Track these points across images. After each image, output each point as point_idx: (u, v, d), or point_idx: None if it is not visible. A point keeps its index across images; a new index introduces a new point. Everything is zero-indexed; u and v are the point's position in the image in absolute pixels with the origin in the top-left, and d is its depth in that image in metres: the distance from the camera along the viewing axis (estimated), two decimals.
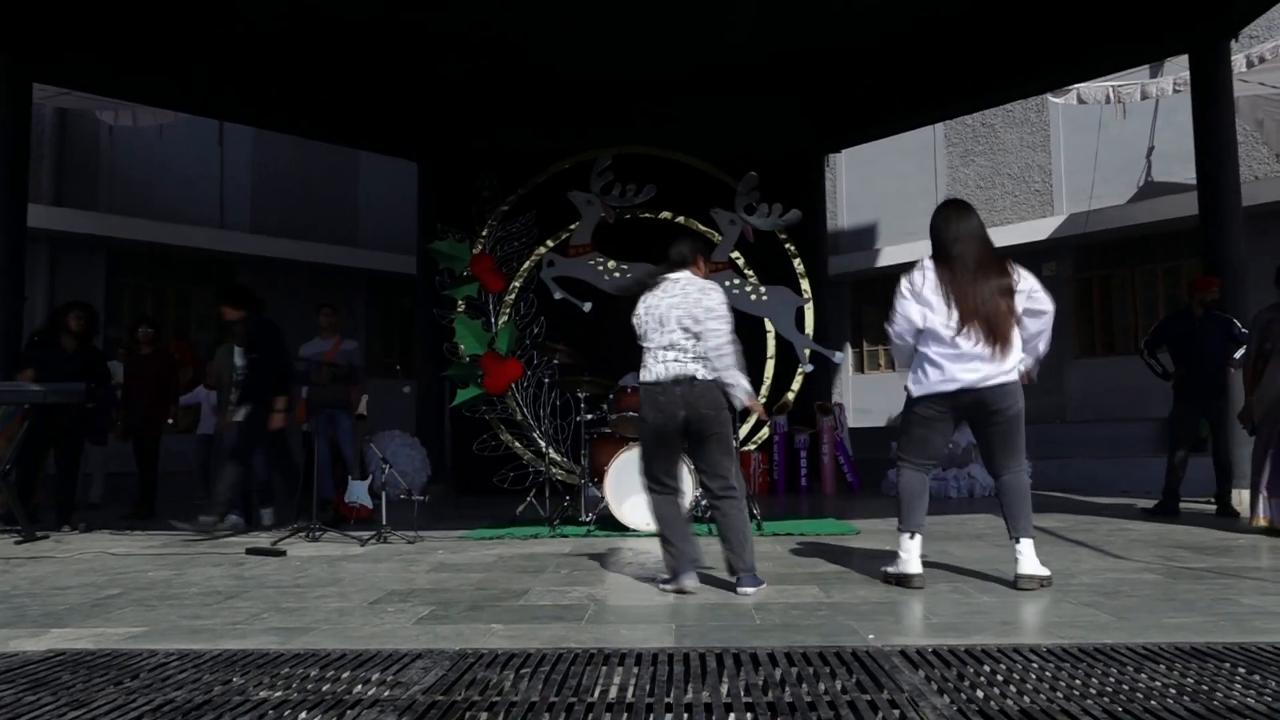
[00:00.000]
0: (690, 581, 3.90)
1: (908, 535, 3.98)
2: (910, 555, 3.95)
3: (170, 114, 11.08)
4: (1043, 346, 4.02)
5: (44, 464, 7.30)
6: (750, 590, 3.83)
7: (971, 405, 3.90)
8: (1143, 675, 2.47)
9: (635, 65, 9.71)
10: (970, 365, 3.83)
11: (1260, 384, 5.84)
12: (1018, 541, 3.90)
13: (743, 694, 2.34)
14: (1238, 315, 7.16)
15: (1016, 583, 3.87)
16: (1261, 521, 5.72)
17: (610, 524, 6.44)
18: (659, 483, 4.08)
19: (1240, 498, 6.78)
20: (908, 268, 4.15)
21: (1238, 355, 6.76)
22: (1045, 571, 3.90)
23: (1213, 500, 7.02)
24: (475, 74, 9.90)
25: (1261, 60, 8.96)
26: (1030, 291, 3.91)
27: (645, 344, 4.08)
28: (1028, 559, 3.88)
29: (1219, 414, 6.94)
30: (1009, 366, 3.85)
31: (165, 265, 14.00)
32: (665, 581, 3.99)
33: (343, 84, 10.02)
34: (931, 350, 3.91)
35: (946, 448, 4.24)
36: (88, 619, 3.55)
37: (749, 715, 2.19)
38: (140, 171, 13.77)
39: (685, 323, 3.97)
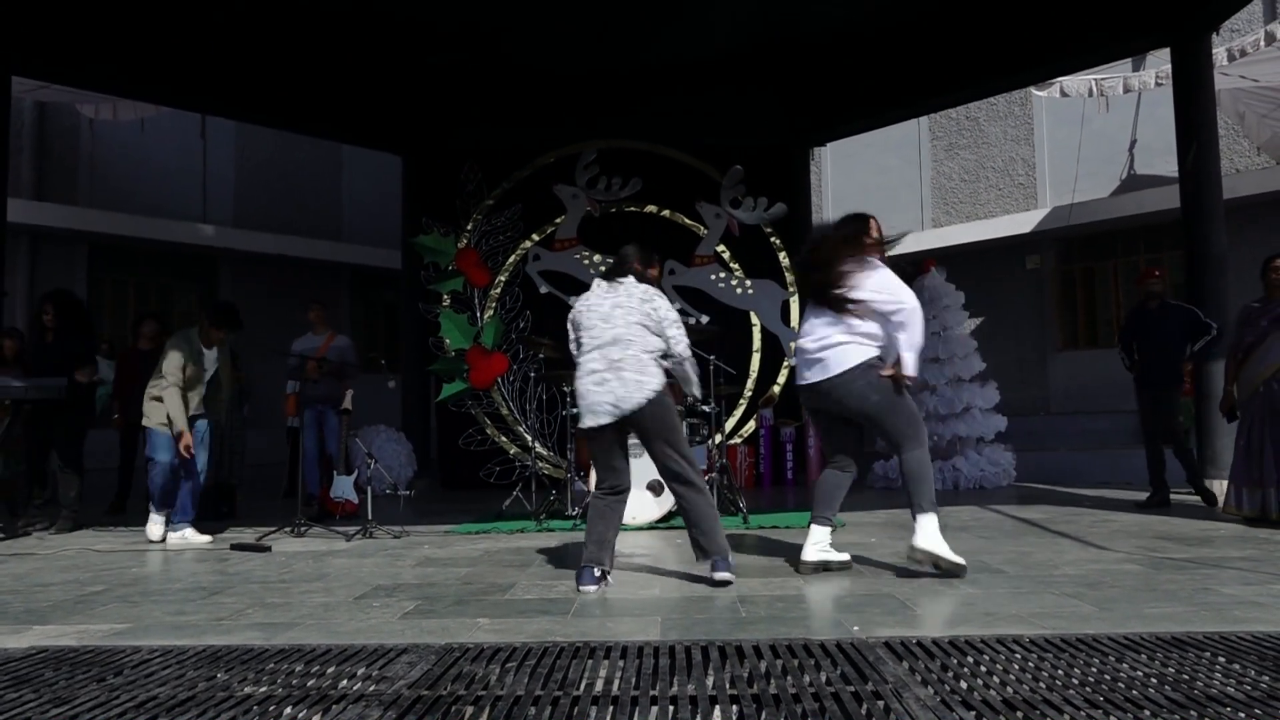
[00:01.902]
0: (589, 587, 3.82)
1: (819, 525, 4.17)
2: (820, 542, 4.13)
3: (151, 107, 10.97)
4: None
5: (45, 463, 7.22)
6: (725, 575, 3.83)
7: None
8: (1124, 665, 2.50)
9: (619, 60, 9.67)
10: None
11: (1240, 375, 5.91)
12: (914, 519, 3.99)
13: (728, 686, 2.35)
14: (1220, 308, 7.21)
15: (910, 553, 4.00)
16: (1232, 510, 5.79)
17: None
18: (613, 489, 4.06)
19: (1211, 486, 6.87)
20: (895, 261, 4.17)
21: (1198, 346, 6.91)
22: (952, 556, 3.90)
23: (1193, 490, 7.08)
24: (459, 68, 9.84)
25: (1243, 53, 8.99)
26: None
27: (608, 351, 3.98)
28: (925, 533, 3.95)
29: (1170, 405, 7.03)
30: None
31: (147, 260, 13.87)
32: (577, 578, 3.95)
33: (326, 78, 9.94)
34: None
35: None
36: (71, 616, 3.53)
37: (734, 708, 2.20)
38: (121, 165, 13.63)
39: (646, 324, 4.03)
